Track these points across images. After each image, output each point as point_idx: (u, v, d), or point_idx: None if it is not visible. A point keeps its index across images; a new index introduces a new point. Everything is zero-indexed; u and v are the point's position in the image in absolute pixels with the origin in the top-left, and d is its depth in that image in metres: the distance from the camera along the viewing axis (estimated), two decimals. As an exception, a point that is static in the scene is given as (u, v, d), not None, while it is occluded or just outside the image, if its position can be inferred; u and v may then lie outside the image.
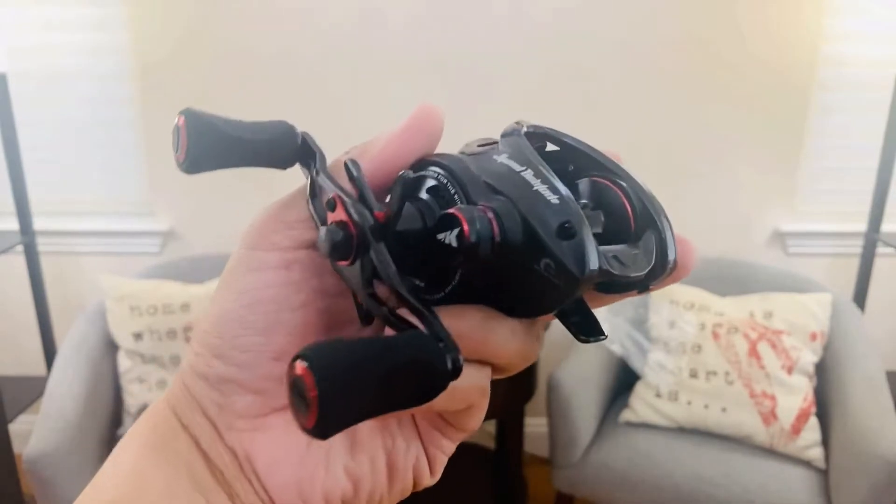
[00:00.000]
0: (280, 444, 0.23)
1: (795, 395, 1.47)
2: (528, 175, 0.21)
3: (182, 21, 1.76)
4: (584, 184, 0.24)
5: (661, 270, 0.21)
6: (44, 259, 1.81)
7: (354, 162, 0.24)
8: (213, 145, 0.23)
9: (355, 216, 0.22)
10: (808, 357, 1.50)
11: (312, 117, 1.81)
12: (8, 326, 1.98)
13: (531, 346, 0.23)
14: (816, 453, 1.44)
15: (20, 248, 1.75)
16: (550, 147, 0.25)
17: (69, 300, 1.93)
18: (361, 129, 1.91)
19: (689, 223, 1.90)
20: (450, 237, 0.20)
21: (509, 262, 0.20)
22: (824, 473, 1.43)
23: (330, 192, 0.23)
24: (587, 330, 0.22)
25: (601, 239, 0.20)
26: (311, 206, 0.25)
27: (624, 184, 0.23)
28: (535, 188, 0.21)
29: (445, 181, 0.23)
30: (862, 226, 1.76)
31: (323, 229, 0.22)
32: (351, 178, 0.23)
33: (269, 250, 0.25)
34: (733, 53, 1.76)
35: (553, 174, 0.21)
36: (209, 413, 0.23)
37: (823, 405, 1.50)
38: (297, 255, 0.24)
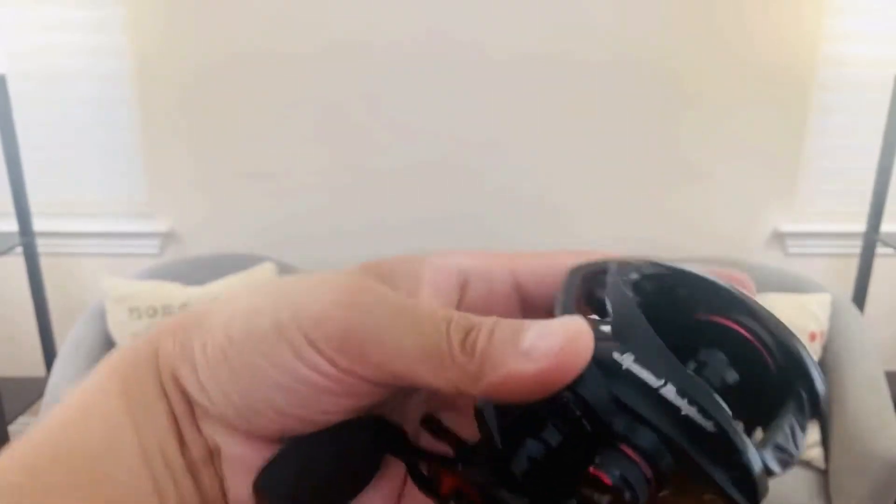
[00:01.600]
0: (258, 452, 0.22)
1: (795, 396, 1.47)
2: (670, 393, 0.18)
3: (181, 23, 1.75)
4: (702, 325, 0.20)
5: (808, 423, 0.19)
6: (43, 260, 1.81)
7: (488, 404, 0.19)
8: None
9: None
10: (808, 357, 1.50)
11: (312, 119, 1.81)
12: (7, 328, 1.98)
13: None
14: (816, 453, 1.44)
15: (19, 249, 1.75)
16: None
17: (69, 301, 1.93)
18: (362, 130, 1.90)
19: (689, 223, 1.90)
20: (599, 498, 0.18)
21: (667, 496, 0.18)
22: (824, 473, 1.43)
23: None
24: None
25: (732, 399, 0.18)
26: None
27: (755, 325, 0.19)
28: (683, 412, 0.17)
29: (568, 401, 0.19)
30: (861, 226, 1.76)
31: None
32: (481, 424, 0.19)
33: (328, 362, 0.20)
34: (733, 53, 1.76)
35: (696, 383, 0.18)
36: (192, 392, 0.21)
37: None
38: (351, 381, 0.20)
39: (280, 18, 1.75)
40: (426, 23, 1.75)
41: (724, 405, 0.17)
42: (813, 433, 1.45)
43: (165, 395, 0.21)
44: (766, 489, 0.17)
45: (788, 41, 1.74)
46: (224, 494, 0.22)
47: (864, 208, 1.74)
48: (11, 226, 1.73)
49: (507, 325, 0.19)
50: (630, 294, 0.20)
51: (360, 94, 1.80)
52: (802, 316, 1.52)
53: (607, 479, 0.17)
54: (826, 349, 1.53)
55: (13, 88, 1.65)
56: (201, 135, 1.84)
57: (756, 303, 0.20)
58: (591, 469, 0.18)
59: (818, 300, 1.55)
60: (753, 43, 1.75)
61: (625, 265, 0.21)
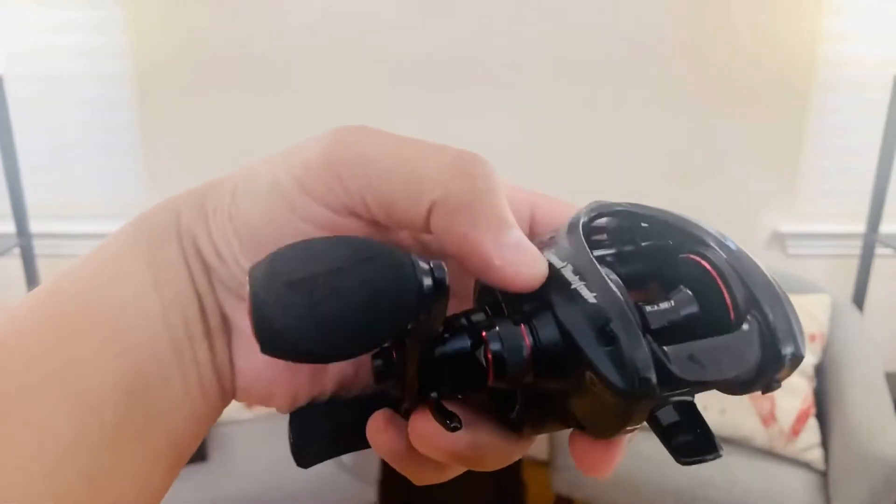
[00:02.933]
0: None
1: (794, 397, 1.47)
2: (567, 272, 0.19)
3: (181, 24, 1.75)
4: (681, 264, 0.20)
5: (773, 366, 0.18)
6: (41, 262, 1.80)
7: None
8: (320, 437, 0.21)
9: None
10: (808, 358, 1.50)
11: (312, 121, 1.81)
12: (5, 329, 1.98)
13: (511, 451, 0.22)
14: (816, 455, 1.44)
15: (17, 250, 1.74)
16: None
17: (67, 303, 1.93)
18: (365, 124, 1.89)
19: (688, 224, 1.90)
20: (481, 356, 0.19)
21: (557, 377, 0.18)
22: (824, 475, 1.43)
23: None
24: (689, 449, 0.18)
25: (692, 333, 0.18)
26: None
27: (716, 258, 0.19)
28: (573, 286, 0.18)
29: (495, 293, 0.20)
30: (861, 227, 1.75)
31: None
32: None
33: (319, 203, 0.21)
34: (732, 54, 1.76)
35: (596, 265, 0.18)
36: (207, 256, 0.22)
37: (823, 406, 1.50)
38: (346, 223, 0.21)
39: (280, 19, 1.74)
40: (426, 24, 1.75)
41: (615, 288, 0.18)
42: (813, 434, 1.45)
43: (186, 261, 0.22)
44: (647, 382, 0.17)
45: (788, 42, 1.74)
46: (232, 364, 0.22)
47: (864, 209, 1.73)
48: (9, 227, 1.72)
49: (497, 208, 0.20)
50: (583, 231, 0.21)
51: (361, 95, 1.80)
52: (802, 317, 1.48)
53: (485, 336, 0.18)
54: (826, 350, 1.53)
55: (11, 90, 1.65)
56: (200, 136, 1.84)
57: (727, 242, 0.20)
58: (482, 333, 0.19)
59: (818, 301, 1.55)
60: (753, 44, 1.75)
61: (608, 207, 0.23)
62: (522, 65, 1.78)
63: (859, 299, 1.77)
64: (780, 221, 1.88)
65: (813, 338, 1.51)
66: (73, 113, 1.81)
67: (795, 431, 1.44)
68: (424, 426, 0.20)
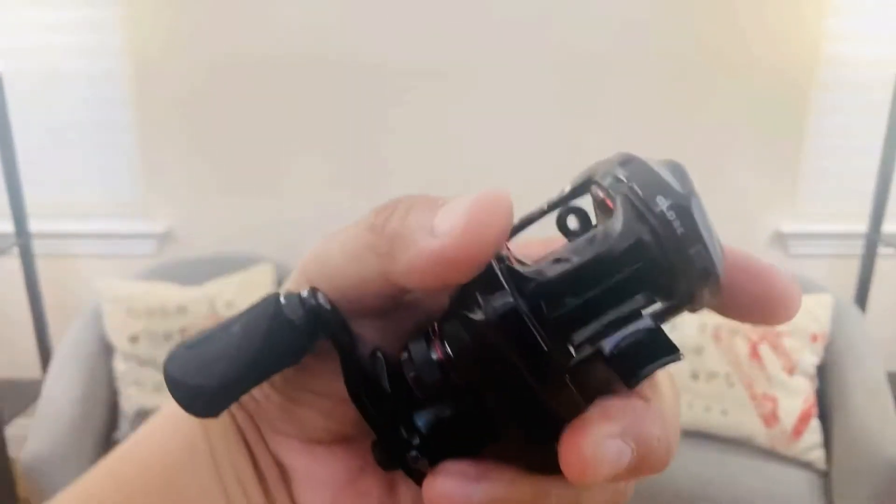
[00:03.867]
0: (324, 466, 0.22)
1: (796, 397, 1.46)
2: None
3: (177, 22, 1.75)
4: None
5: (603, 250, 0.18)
6: (39, 261, 1.80)
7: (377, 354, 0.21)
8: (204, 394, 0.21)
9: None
10: (809, 358, 1.49)
11: (309, 120, 1.81)
12: (3, 329, 1.97)
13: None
14: (818, 455, 1.44)
15: (15, 249, 1.74)
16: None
17: (65, 302, 1.92)
18: (360, 131, 1.90)
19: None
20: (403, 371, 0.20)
21: (490, 363, 0.19)
22: (826, 475, 1.43)
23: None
24: (637, 360, 0.17)
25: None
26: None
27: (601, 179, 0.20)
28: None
29: None
30: (863, 226, 1.75)
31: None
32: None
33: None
34: (733, 53, 1.76)
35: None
36: (245, 403, 0.22)
37: (825, 407, 1.49)
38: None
39: (278, 19, 1.74)
40: (426, 26, 1.75)
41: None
42: (815, 435, 1.44)
43: (232, 413, 0.22)
44: (560, 364, 0.17)
45: (789, 41, 1.74)
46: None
47: (866, 209, 1.73)
48: (7, 226, 1.72)
49: (425, 202, 0.20)
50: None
51: (359, 96, 1.79)
52: (804, 317, 1.51)
53: (405, 360, 0.20)
54: (828, 350, 1.52)
55: (9, 88, 1.64)
56: (198, 135, 1.83)
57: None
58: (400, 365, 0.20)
59: (820, 301, 1.54)
60: (753, 44, 1.75)
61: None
62: (521, 63, 1.77)
63: (861, 299, 1.76)
64: (782, 221, 1.88)
65: (815, 338, 1.50)
66: (71, 111, 1.81)
67: (797, 432, 1.44)
68: (435, 488, 0.19)
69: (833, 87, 1.77)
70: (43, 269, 1.83)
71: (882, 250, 1.77)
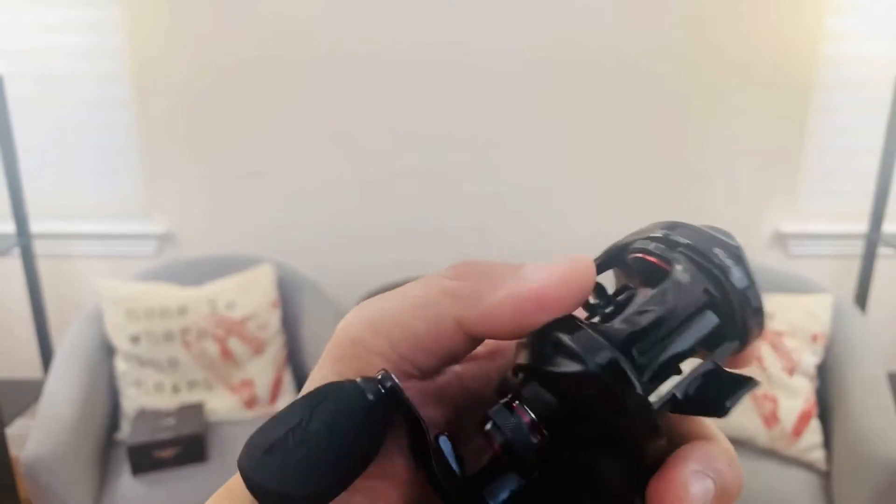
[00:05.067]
0: None
1: (797, 397, 1.46)
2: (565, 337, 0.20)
3: (177, 24, 1.75)
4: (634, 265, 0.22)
5: (744, 314, 0.19)
6: (40, 262, 1.80)
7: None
8: None
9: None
10: (810, 359, 1.49)
11: (310, 120, 1.81)
12: (4, 330, 1.98)
13: None
14: (818, 455, 1.43)
15: (16, 250, 1.74)
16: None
17: (66, 303, 1.93)
18: (361, 132, 1.90)
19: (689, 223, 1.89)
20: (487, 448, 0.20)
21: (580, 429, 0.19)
22: (826, 475, 1.42)
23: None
24: (717, 399, 0.19)
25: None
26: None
27: (653, 246, 0.21)
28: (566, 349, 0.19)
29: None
30: (863, 227, 1.75)
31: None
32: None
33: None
34: (733, 53, 1.76)
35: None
36: None
37: (825, 407, 1.49)
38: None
39: (278, 20, 1.74)
40: (426, 27, 1.75)
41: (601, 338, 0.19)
42: (815, 435, 1.44)
43: None
44: (609, 359, 0.18)
45: (788, 41, 1.74)
46: None
47: (866, 209, 1.73)
48: (8, 227, 1.73)
49: (503, 263, 0.21)
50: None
51: (359, 97, 1.80)
52: (804, 317, 1.51)
53: (490, 431, 0.19)
54: (828, 350, 1.52)
55: (10, 89, 1.65)
56: (198, 136, 1.84)
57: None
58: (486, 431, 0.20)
59: (820, 301, 1.54)
60: (753, 43, 1.75)
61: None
62: (520, 64, 1.77)
63: (862, 299, 1.76)
64: (782, 221, 1.88)
65: (815, 338, 1.50)
66: (72, 113, 1.81)
67: (798, 432, 1.44)
68: None
69: (833, 87, 1.78)
70: (44, 269, 1.83)
71: (882, 251, 1.77)
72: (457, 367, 0.23)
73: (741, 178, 1.86)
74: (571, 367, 0.18)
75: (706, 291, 0.20)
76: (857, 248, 1.80)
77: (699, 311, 0.20)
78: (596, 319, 0.21)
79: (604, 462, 0.19)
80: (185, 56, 1.77)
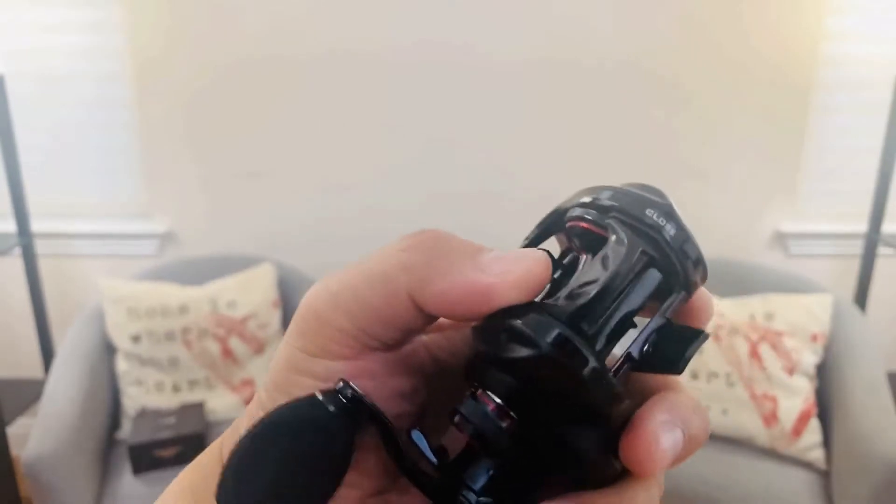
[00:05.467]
0: None
1: (796, 397, 1.46)
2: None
3: (178, 24, 1.75)
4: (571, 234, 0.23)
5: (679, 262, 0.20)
6: (41, 261, 1.81)
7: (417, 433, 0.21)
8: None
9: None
10: (809, 358, 1.49)
11: (311, 120, 1.81)
12: (5, 329, 1.98)
13: None
14: (818, 455, 1.44)
15: (18, 250, 1.75)
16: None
17: (67, 302, 1.93)
18: (361, 131, 1.89)
19: (690, 224, 1.89)
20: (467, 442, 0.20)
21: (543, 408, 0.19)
22: (826, 475, 1.43)
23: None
24: (672, 355, 0.19)
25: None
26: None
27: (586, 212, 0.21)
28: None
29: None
30: (863, 226, 1.76)
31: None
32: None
33: (322, 356, 0.21)
34: (733, 53, 1.76)
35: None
36: None
37: (824, 406, 1.50)
38: (359, 363, 0.21)
39: (279, 20, 1.75)
40: (426, 27, 1.75)
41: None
42: (815, 434, 1.44)
43: None
44: (556, 337, 0.18)
45: (788, 41, 1.74)
46: None
47: (866, 209, 1.73)
48: (9, 226, 1.73)
49: (463, 241, 0.21)
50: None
51: (359, 97, 1.80)
52: (804, 317, 1.52)
53: (459, 422, 0.20)
54: (828, 350, 1.53)
55: (11, 89, 1.65)
56: (199, 135, 1.84)
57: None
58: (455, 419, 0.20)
59: (820, 301, 1.54)
60: (753, 43, 1.75)
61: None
62: (520, 65, 1.78)
63: (861, 299, 1.77)
64: (782, 221, 1.88)
65: (815, 337, 1.51)
66: (73, 112, 1.82)
67: (797, 431, 1.44)
68: None
69: (833, 87, 1.78)
70: (45, 269, 1.84)
71: (882, 250, 1.78)
72: (423, 337, 0.23)
73: (741, 177, 1.86)
74: (525, 351, 0.19)
75: (644, 252, 0.20)
76: (857, 247, 1.80)
77: (641, 271, 0.20)
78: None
79: (574, 433, 0.19)
80: (185, 56, 1.77)
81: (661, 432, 0.19)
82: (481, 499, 0.20)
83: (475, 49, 1.77)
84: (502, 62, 1.78)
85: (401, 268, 0.20)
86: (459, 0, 1.74)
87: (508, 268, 0.20)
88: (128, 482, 1.40)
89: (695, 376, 1.52)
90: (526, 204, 1.90)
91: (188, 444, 1.43)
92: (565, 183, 1.71)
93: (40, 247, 1.79)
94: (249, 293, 1.64)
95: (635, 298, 0.20)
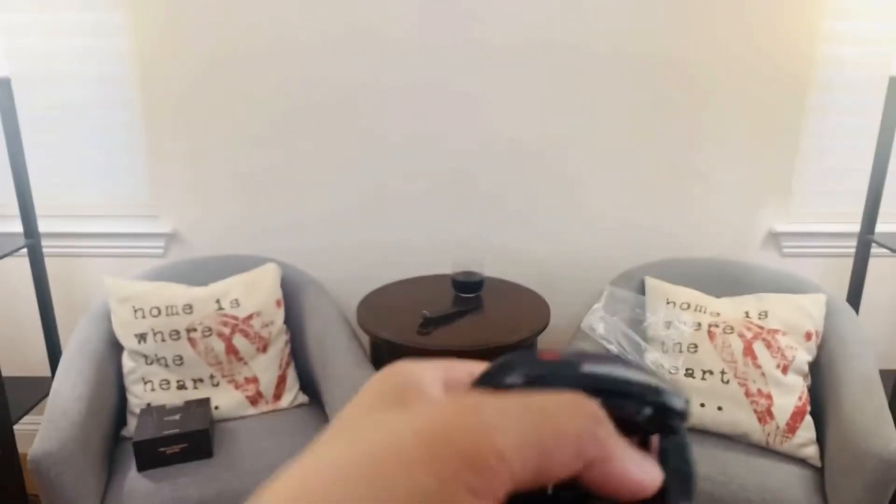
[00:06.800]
0: None
1: (791, 394, 1.48)
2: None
3: (182, 26, 1.77)
4: None
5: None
6: (48, 261, 1.82)
7: None
8: None
9: None
10: (803, 356, 1.51)
11: (315, 123, 1.83)
12: (13, 328, 2.00)
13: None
14: (811, 451, 1.45)
15: (25, 250, 1.76)
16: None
17: (73, 302, 1.95)
18: (365, 134, 1.91)
19: (686, 224, 1.92)
20: None
21: None
22: (819, 471, 1.44)
23: None
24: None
25: None
26: None
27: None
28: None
29: None
30: (856, 227, 1.77)
31: None
32: None
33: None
34: (730, 55, 1.77)
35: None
36: None
37: (818, 404, 1.51)
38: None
39: (282, 23, 1.76)
40: (430, 26, 1.77)
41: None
42: (808, 431, 1.46)
43: None
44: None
45: (785, 43, 1.76)
46: None
47: (859, 209, 1.75)
48: (16, 227, 1.75)
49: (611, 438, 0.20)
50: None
51: (362, 101, 1.81)
52: (798, 315, 1.54)
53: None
54: (821, 348, 1.54)
55: (18, 91, 1.67)
56: (205, 137, 1.85)
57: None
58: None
59: (813, 300, 1.56)
60: (751, 45, 1.76)
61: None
62: (520, 64, 1.79)
63: (854, 298, 1.78)
64: (776, 221, 1.90)
65: (808, 336, 1.53)
66: (79, 114, 1.83)
67: (791, 428, 1.46)
68: None
69: (828, 88, 1.79)
70: (51, 268, 1.85)
71: (875, 250, 1.79)
72: None
73: (737, 178, 1.88)
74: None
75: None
76: (851, 247, 1.82)
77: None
78: None
79: None
80: (190, 59, 1.79)
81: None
82: None
83: (476, 50, 1.78)
84: (504, 64, 1.79)
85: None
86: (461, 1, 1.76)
87: (650, 467, 0.20)
88: (133, 478, 1.42)
89: (690, 374, 1.54)
90: (527, 204, 1.91)
91: (193, 441, 1.44)
92: (560, 186, 1.75)
93: (47, 247, 1.81)
94: (254, 292, 1.66)
95: None
